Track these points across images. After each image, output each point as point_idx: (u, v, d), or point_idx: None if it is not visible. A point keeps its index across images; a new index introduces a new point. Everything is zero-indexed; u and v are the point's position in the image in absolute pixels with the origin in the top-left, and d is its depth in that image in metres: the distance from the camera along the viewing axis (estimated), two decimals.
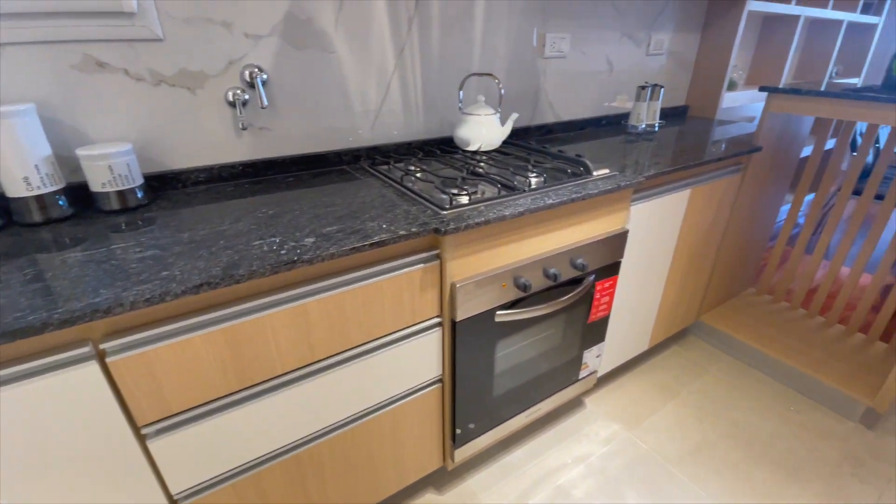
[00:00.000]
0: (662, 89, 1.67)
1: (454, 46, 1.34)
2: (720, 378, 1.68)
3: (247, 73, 1.06)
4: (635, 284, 1.41)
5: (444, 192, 0.97)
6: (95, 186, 0.90)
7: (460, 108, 1.30)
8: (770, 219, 1.88)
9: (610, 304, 1.30)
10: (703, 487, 1.27)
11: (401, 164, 1.22)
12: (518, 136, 1.60)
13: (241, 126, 1.08)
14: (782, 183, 1.80)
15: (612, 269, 1.23)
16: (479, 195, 0.99)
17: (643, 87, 1.64)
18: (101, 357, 0.64)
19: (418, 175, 1.14)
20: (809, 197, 3.33)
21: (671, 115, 2.09)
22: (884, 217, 1.53)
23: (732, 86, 2.09)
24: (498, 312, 1.02)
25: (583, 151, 1.44)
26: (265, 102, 1.05)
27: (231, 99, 1.06)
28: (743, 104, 2.25)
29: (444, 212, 0.91)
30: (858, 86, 1.78)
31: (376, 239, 0.78)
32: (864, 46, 2.80)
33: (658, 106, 1.69)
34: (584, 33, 1.61)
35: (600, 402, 1.57)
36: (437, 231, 0.84)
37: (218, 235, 0.80)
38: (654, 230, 1.34)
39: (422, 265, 0.88)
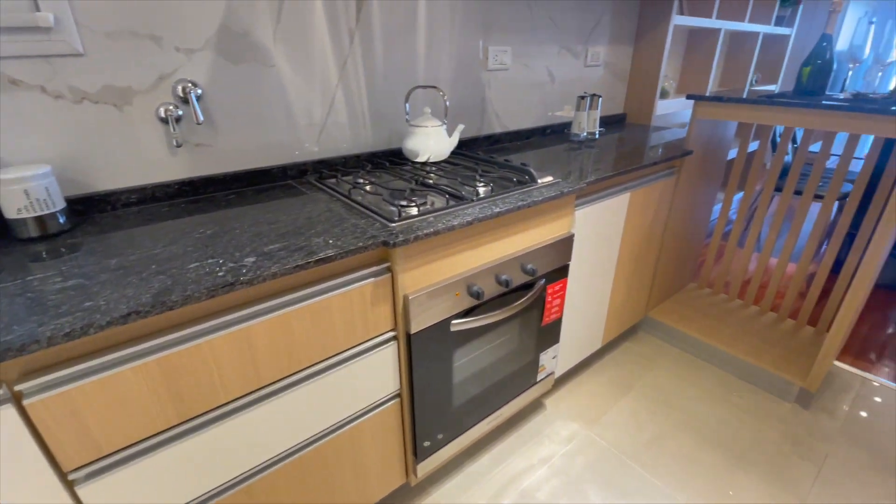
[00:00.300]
0: (601, 99, 1.75)
1: (398, 59, 1.35)
2: (669, 370, 1.77)
3: (179, 88, 1.01)
4: (585, 285, 1.46)
5: (393, 205, 0.97)
6: (10, 213, 0.83)
7: (407, 120, 1.30)
8: (705, 217, 2.01)
9: (562, 306, 1.33)
10: (658, 478, 1.32)
11: (349, 178, 1.21)
12: (467, 147, 1.63)
13: (175, 143, 1.03)
14: (713, 183, 1.93)
15: (561, 272, 1.27)
16: (428, 206, 0.99)
17: (582, 97, 1.71)
18: (17, 399, 0.59)
19: (367, 188, 1.13)
20: (739, 195, 3.59)
21: (611, 122, 2.20)
22: (802, 211, 1.68)
23: (665, 94, 2.23)
24: (453, 322, 1.02)
25: (529, 160, 1.48)
26: (200, 118, 1.01)
27: (163, 115, 1.01)
28: (675, 111, 2.40)
29: (393, 224, 0.90)
30: (776, 92, 1.96)
31: (322, 255, 0.76)
32: (779, 55, 3.08)
33: (597, 115, 1.77)
34: (524, 47, 1.67)
35: (560, 403, 1.60)
36: (386, 244, 0.84)
37: (150, 260, 0.76)
38: (598, 233, 1.40)
39: (372, 279, 0.87)
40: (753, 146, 2.96)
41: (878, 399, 1.62)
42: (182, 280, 0.68)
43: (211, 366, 0.72)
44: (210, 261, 0.75)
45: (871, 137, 2.48)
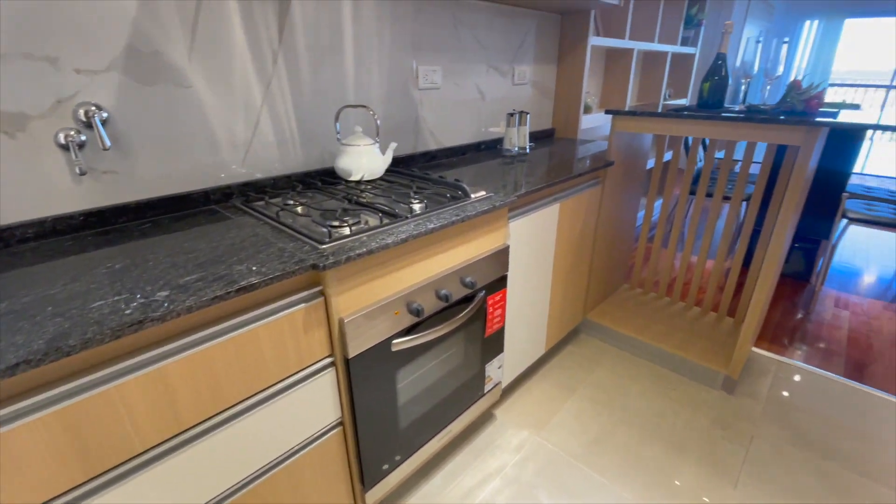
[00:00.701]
0: (528, 115, 1.84)
1: (327, 79, 1.33)
2: (610, 369, 1.85)
3: (81, 112, 0.94)
4: (524, 294, 1.50)
5: (324, 226, 0.94)
6: None
7: (339, 140, 1.29)
8: (631, 222, 2.15)
9: (503, 315, 1.36)
10: (604, 475, 1.37)
11: (277, 199, 1.17)
12: (403, 164, 1.64)
13: (78, 171, 0.95)
14: (636, 190, 2.07)
15: (500, 283, 1.30)
16: (361, 225, 0.98)
17: (511, 114, 1.79)
18: None
19: (298, 209, 1.10)
20: (660, 200, 3.89)
21: (541, 137, 2.31)
22: (715, 211, 1.84)
23: (588, 109, 2.38)
24: (394, 342, 1.01)
25: (464, 176, 1.51)
26: (107, 143, 0.93)
27: (63, 141, 0.93)
28: (599, 125, 2.56)
29: (324, 246, 0.88)
30: (685, 105, 2.15)
31: (244, 283, 0.73)
32: (687, 72, 3.40)
33: (527, 130, 1.85)
34: (454, 66, 1.72)
35: (509, 411, 1.62)
36: (315, 267, 0.81)
37: (46, 301, 0.68)
38: (532, 243, 1.45)
39: (303, 305, 0.84)
40: (670, 155, 3.22)
41: (793, 380, 1.79)
42: (83, 321, 0.62)
43: (122, 413, 0.65)
44: (116, 298, 0.69)
45: (766, 144, 2.79)
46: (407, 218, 1.02)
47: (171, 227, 1.01)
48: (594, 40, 2.13)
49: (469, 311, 1.17)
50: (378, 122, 1.27)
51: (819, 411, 1.62)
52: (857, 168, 4.02)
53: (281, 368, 0.84)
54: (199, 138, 1.12)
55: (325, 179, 1.33)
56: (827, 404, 1.65)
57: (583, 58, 2.13)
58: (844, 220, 2.36)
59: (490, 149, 2.01)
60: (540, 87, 2.20)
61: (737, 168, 3.90)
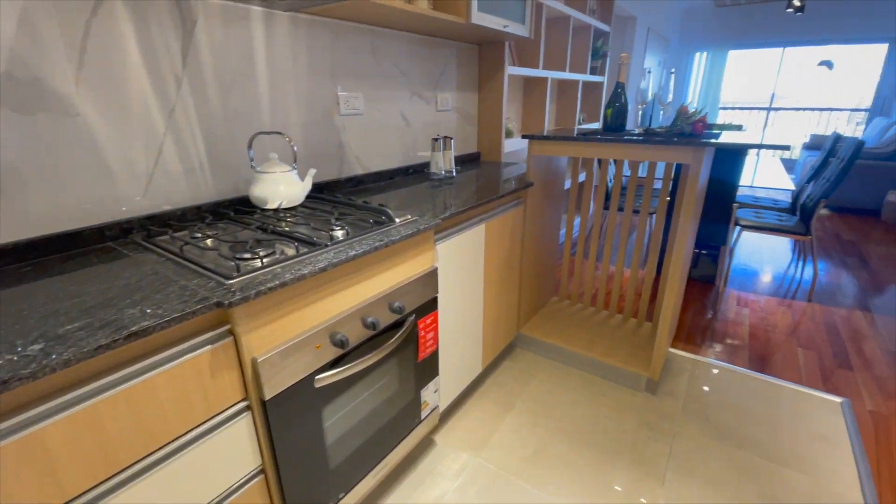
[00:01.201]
0: (452, 140, 1.89)
1: (239, 105, 1.28)
2: (544, 381, 1.90)
3: None
4: (457, 314, 1.51)
5: (232, 259, 0.89)
6: None
7: (253, 167, 1.24)
8: (554, 238, 2.26)
9: (436, 338, 1.35)
10: (542, 488, 1.38)
11: (184, 233, 1.09)
12: (327, 189, 1.61)
13: None
14: (557, 208, 2.19)
15: (430, 306, 1.30)
16: (276, 256, 0.94)
17: (436, 140, 1.83)
18: None
19: (207, 242, 1.03)
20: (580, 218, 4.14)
21: (467, 160, 2.38)
22: (626, 224, 1.99)
23: (509, 134, 2.50)
24: (317, 377, 0.96)
25: (390, 200, 1.51)
26: None
27: None
28: (521, 148, 2.70)
29: (232, 280, 0.83)
30: (596, 128, 2.33)
31: (135, 329, 0.66)
32: (598, 98, 3.69)
33: (452, 154, 1.90)
34: (375, 92, 1.73)
35: (448, 435, 1.60)
36: (220, 305, 0.76)
37: None
38: (461, 263, 1.47)
39: (209, 347, 0.78)
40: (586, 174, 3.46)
41: (706, 376, 1.95)
42: None
43: None
44: None
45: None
46: (326, 246, 0.99)
47: (58, 269, 0.90)
48: (510, 70, 2.26)
49: (399, 336, 1.15)
50: (295, 148, 1.24)
51: (731, 403, 1.77)
52: (748, 181, 4.57)
53: (185, 419, 0.76)
54: (91, 170, 1.02)
55: (240, 209, 1.27)
56: (737, 396, 1.81)
57: (501, 86, 2.25)
58: (738, 228, 2.65)
59: (418, 172, 2.03)
60: (463, 113, 2.28)
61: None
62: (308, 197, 1.41)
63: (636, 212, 2.91)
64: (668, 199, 2.47)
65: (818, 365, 2.01)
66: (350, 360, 1.05)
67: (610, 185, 3.49)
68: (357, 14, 1.45)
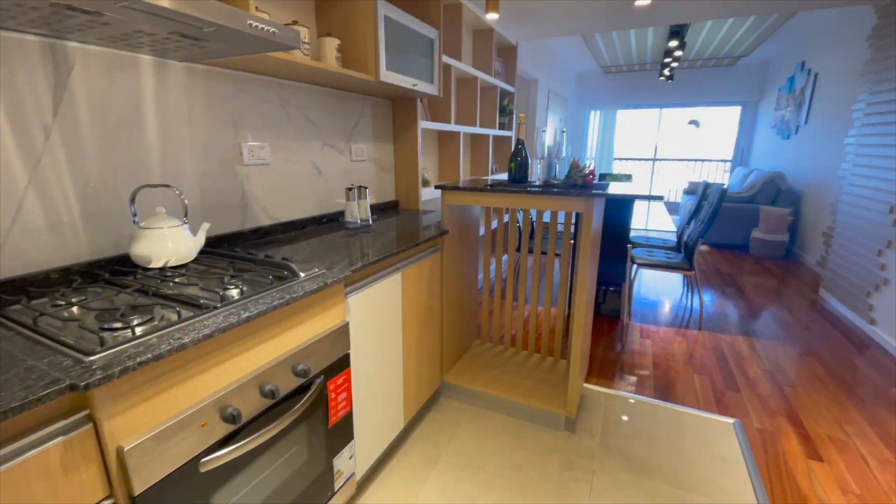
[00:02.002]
0: (367, 189, 1.89)
1: (122, 157, 1.18)
2: (470, 430, 1.86)
3: None
4: (374, 369, 1.45)
5: (97, 330, 0.78)
6: None
7: (136, 223, 1.12)
8: (473, 282, 2.31)
9: (349, 399, 1.28)
10: None
11: (42, 301, 0.94)
12: (228, 243, 1.50)
13: None
14: (473, 253, 2.26)
15: (342, 364, 1.23)
16: (155, 323, 0.84)
17: (350, 189, 1.82)
18: None
19: (72, 311, 0.89)
20: (502, 258, 4.31)
21: (386, 208, 2.39)
22: (536, 265, 2.09)
23: (426, 183, 2.57)
24: (203, 460, 0.85)
25: (300, 251, 1.45)
26: None
27: None
28: (439, 196, 2.78)
29: (93, 357, 0.72)
30: (506, 179, 2.48)
31: None
32: (508, 151, 3.97)
33: (367, 203, 1.89)
34: (284, 142, 1.70)
35: (370, 500, 1.48)
36: (74, 388, 0.65)
37: None
38: (376, 315, 1.43)
39: (61, 438, 0.65)
40: (505, 218, 3.64)
41: (618, 409, 2.04)
42: None
43: None
44: None
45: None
46: (216, 308, 0.91)
47: None
48: (423, 124, 2.36)
49: (305, 402, 1.06)
50: (186, 201, 1.15)
51: (642, 433, 1.86)
52: (643, 224, 5.10)
53: None
54: None
55: (119, 269, 1.13)
56: (647, 426, 1.91)
57: (415, 139, 2.33)
58: (635, 266, 2.92)
59: (333, 221, 1.99)
60: (380, 163, 2.31)
61: (559, 228, 4.57)
62: (203, 253, 1.31)
63: (545, 253, 3.10)
64: (572, 241, 2.67)
65: (711, 388, 2.21)
66: (244, 436, 0.94)
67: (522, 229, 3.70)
68: (261, 67, 1.43)
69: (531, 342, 2.24)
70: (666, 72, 6.00)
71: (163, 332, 0.81)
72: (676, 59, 5.38)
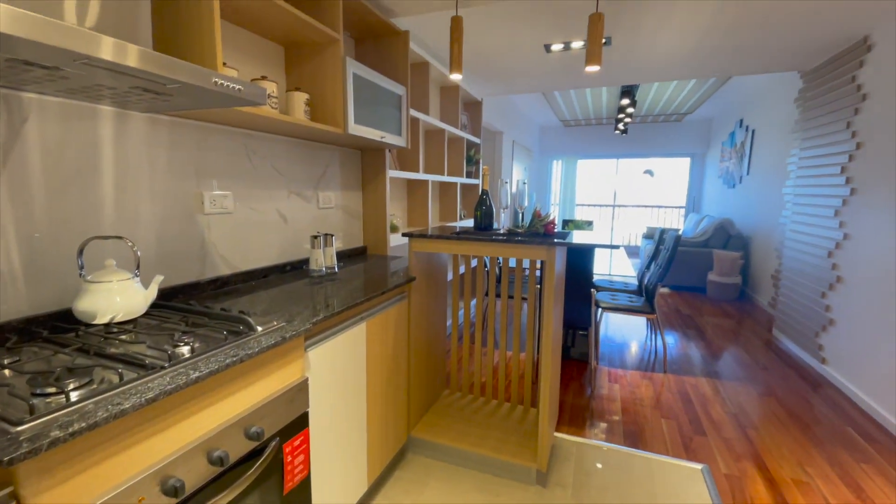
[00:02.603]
0: (334, 237, 1.89)
1: (73, 207, 1.14)
2: (438, 489, 1.77)
3: None
4: (334, 428, 1.38)
5: (28, 397, 0.71)
6: None
7: (82, 276, 1.07)
8: (441, 329, 2.28)
9: (307, 462, 1.20)
10: None
11: None
12: (185, 294, 1.44)
13: None
14: (441, 299, 2.25)
15: (299, 424, 1.16)
16: (93, 387, 0.78)
17: (315, 237, 1.81)
18: None
19: (4, 373, 0.82)
20: (469, 304, 4.31)
21: (354, 254, 2.38)
22: (504, 310, 2.10)
23: (395, 229, 2.59)
24: None
25: (260, 302, 1.40)
26: None
27: None
28: (407, 242, 2.80)
29: (21, 427, 0.65)
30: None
31: None
32: (475, 197, 4.08)
33: (333, 251, 1.88)
34: (249, 191, 1.69)
35: None
36: None
37: None
38: (339, 369, 1.38)
39: None
40: (473, 262, 3.68)
41: (591, 459, 2.00)
42: None
43: None
44: None
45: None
46: (163, 368, 0.86)
47: None
48: (391, 173, 2.42)
49: (257, 468, 0.99)
50: (138, 253, 1.11)
51: (613, 484, 1.82)
52: (606, 268, 5.27)
53: None
54: None
55: (60, 326, 1.06)
56: (618, 475, 1.88)
57: (384, 187, 2.37)
58: (600, 309, 2.98)
59: (297, 269, 1.95)
60: (348, 210, 2.32)
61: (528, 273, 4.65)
62: (156, 306, 1.25)
63: (512, 297, 3.12)
64: (538, 286, 2.72)
65: (679, 433, 2.22)
66: None
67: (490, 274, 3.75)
68: (228, 119, 1.45)
69: (501, 390, 2.21)
70: (620, 126, 6.45)
71: (101, 396, 0.75)
72: (629, 115, 5.81)
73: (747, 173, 5.24)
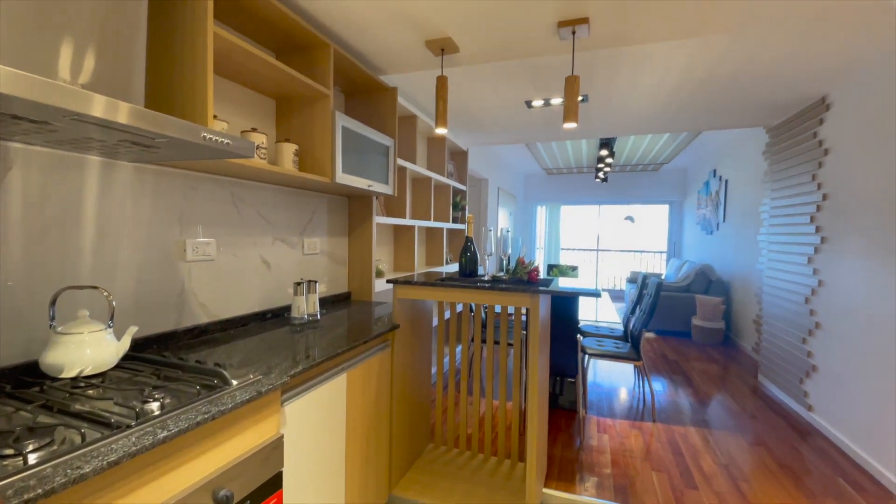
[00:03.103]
0: (317, 284, 1.87)
1: (49, 256, 1.12)
2: None
3: None
4: (311, 488, 1.31)
5: None
6: None
7: (52, 327, 1.03)
8: (426, 378, 2.23)
9: None
10: None
11: None
12: (160, 344, 1.40)
13: None
14: (426, 347, 2.22)
15: (273, 485, 1.10)
16: (52, 448, 0.73)
17: (298, 284, 1.79)
18: None
19: None
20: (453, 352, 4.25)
21: (338, 300, 2.36)
22: (489, 356, 2.07)
23: (380, 274, 2.59)
24: None
25: (237, 352, 1.37)
26: None
27: None
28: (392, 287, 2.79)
29: None
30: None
31: None
32: (461, 242, 4.13)
33: (317, 297, 1.86)
34: (233, 238, 1.69)
35: None
36: None
37: None
38: (317, 424, 1.33)
39: None
40: (458, 307, 3.66)
41: None
42: None
43: None
44: None
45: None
46: (129, 427, 0.82)
47: None
48: (378, 219, 2.45)
49: None
50: (114, 303, 1.09)
51: None
52: (592, 313, 5.29)
53: None
54: None
55: (24, 380, 1.01)
56: None
57: (370, 233, 2.39)
58: (586, 356, 2.96)
59: (278, 316, 1.92)
60: (333, 256, 2.32)
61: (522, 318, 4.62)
62: (128, 358, 1.20)
63: (498, 342, 3.09)
64: (524, 331, 2.70)
65: (670, 486, 2.15)
66: None
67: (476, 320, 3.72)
68: (216, 169, 1.47)
69: (487, 443, 2.13)
70: (600, 175, 6.71)
71: (60, 459, 0.71)
72: (608, 165, 6.07)
73: (724, 220, 5.43)
